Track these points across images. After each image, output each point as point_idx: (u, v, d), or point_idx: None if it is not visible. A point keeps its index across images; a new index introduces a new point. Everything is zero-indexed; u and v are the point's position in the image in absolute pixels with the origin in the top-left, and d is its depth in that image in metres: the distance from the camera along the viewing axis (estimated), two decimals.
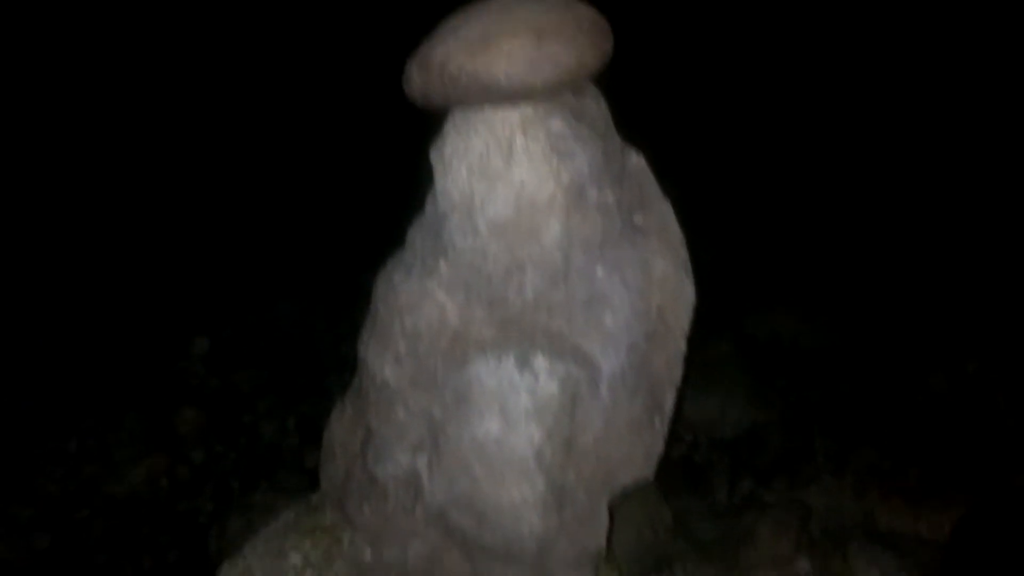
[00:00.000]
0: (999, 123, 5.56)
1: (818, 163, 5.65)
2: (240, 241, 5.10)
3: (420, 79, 1.71)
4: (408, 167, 2.13)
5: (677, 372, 1.91)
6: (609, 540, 2.23)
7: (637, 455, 1.92)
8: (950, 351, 4.25)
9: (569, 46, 1.64)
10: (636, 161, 1.87)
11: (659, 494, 3.18)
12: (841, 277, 4.80)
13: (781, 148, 5.75)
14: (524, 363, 1.83)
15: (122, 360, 4.31)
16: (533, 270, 1.81)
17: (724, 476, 3.75)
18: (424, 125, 1.94)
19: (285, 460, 3.89)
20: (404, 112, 1.95)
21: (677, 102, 5.80)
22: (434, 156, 1.84)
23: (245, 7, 6.17)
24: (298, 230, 5.16)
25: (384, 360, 1.99)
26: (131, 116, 5.97)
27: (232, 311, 4.65)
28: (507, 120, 1.75)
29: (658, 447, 1.94)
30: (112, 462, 3.84)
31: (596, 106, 1.85)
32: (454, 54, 1.65)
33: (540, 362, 1.82)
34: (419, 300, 1.91)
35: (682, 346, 1.89)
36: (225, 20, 6.25)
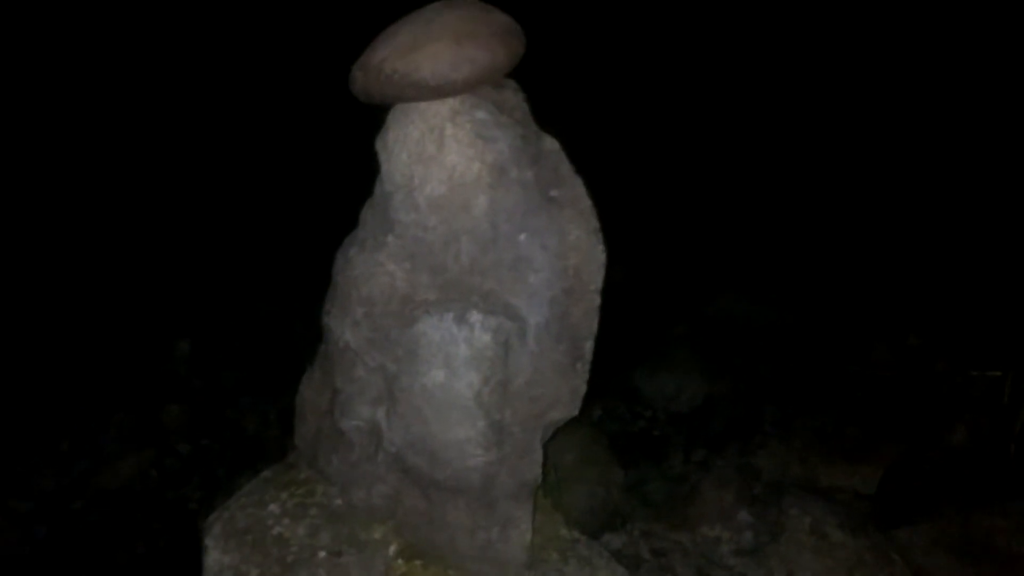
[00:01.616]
0: (943, 112, 5.99)
1: (766, 153, 6.07)
2: (217, 246, 5.47)
3: (362, 80, 2.12)
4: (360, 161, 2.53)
5: (593, 323, 2.30)
6: (553, 488, 2.63)
7: (564, 395, 2.31)
8: (895, 327, 4.66)
9: (485, 48, 2.06)
10: (550, 144, 2.28)
11: (612, 458, 3.59)
12: (793, 259, 5.21)
13: (731, 142, 6.16)
14: (462, 319, 2.22)
15: (109, 363, 4.68)
16: (467, 239, 2.21)
17: (680, 446, 4.15)
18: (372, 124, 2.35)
19: (268, 450, 4.26)
20: (358, 113, 2.35)
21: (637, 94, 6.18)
22: (379, 145, 2.25)
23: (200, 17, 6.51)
24: (271, 232, 5.53)
25: (344, 325, 2.39)
26: (106, 125, 6.32)
27: (212, 314, 5.03)
28: (438, 112, 2.16)
29: (581, 388, 2.33)
30: (103, 457, 4.21)
31: (515, 98, 2.27)
32: (388, 57, 2.07)
33: (475, 317, 2.22)
34: (372, 270, 2.31)
35: (596, 301, 2.29)
36: (186, 28, 6.61)
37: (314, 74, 5.09)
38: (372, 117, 2.31)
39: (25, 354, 4.68)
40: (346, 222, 2.48)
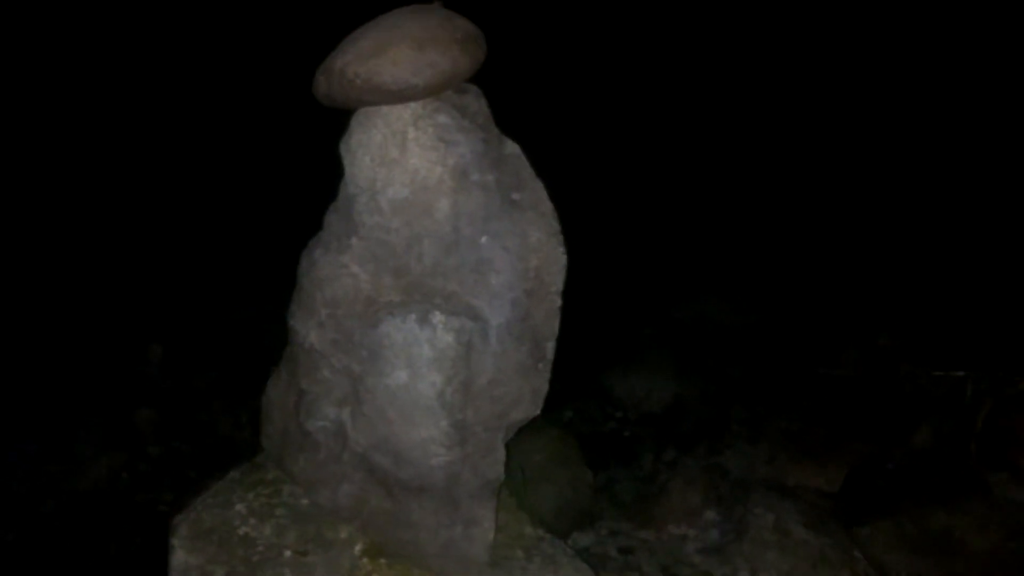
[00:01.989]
0: (914, 119, 6.08)
1: (736, 155, 6.14)
2: (189, 250, 5.49)
3: (325, 85, 2.16)
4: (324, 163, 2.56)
5: (555, 324, 2.35)
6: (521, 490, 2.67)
7: (526, 394, 2.36)
8: (863, 329, 4.74)
9: (446, 54, 2.10)
10: (511, 148, 2.33)
11: (582, 458, 3.63)
12: (764, 262, 5.29)
13: (700, 144, 6.22)
14: (425, 320, 2.26)
15: (80, 366, 4.68)
16: (429, 241, 2.25)
17: (649, 447, 4.21)
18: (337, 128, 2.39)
19: (240, 452, 4.27)
20: (322, 117, 2.39)
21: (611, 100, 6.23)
22: (343, 149, 2.29)
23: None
24: (241, 235, 5.55)
25: (309, 327, 2.43)
26: (76, 130, 6.31)
27: (184, 318, 5.05)
28: (400, 116, 2.21)
29: (543, 388, 2.38)
30: (74, 460, 4.21)
31: (477, 103, 2.31)
32: (351, 62, 2.11)
33: (438, 318, 2.26)
34: (336, 272, 2.35)
35: (557, 302, 2.33)
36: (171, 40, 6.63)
37: (278, 78, 5.14)
38: (336, 121, 2.35)
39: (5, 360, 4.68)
40: (313, 224, 2.52)
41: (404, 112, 2.21)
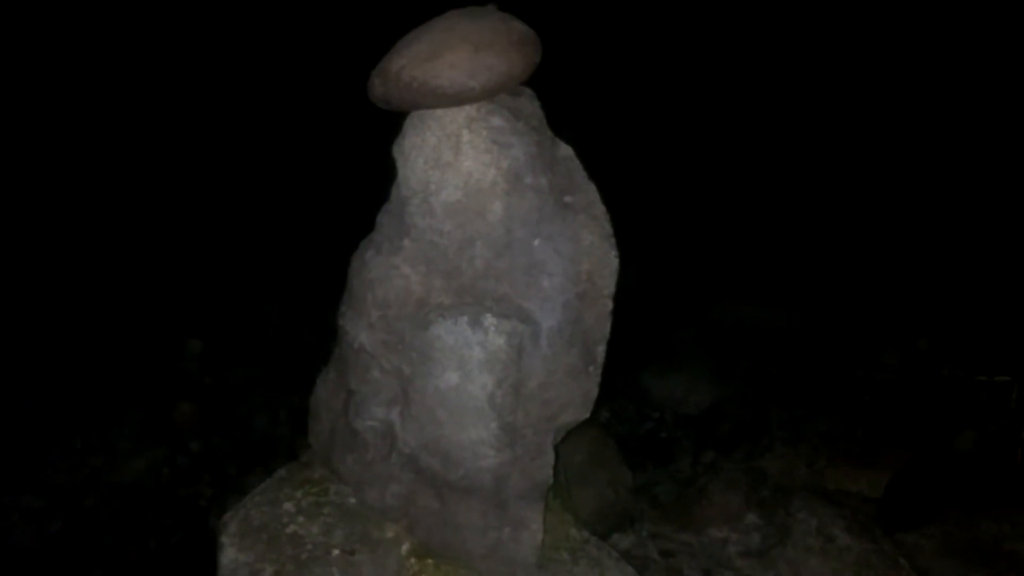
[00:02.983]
0: (950, 114, 6.02)
1: (777, 157, 6.10)
2: (230, 246, 5.53)
3: (381, 87, 2.17)
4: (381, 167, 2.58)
5: (606, 327, 2.35)
6: (567, 492, 2.68)
7: (575, 398, 2.36)
8: (905, 331, 4.70)
9: (502, 57, 2.10)
10: (565, 151, 2.33)
11: (621, 460, 3.63)
12: (803, 263, 5.26)
13: (741, 147, 6.19)
14: (476, 322, 2.27)
15: (121, 362, 4.74)
16: (481, 244, 2.26)
17: (688, 449, 4.20)
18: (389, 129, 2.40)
19: (278, 448, 4.32)
20: (374, 118, 2.41)
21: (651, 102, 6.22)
22: (396, 151, 2.30)
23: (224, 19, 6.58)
24: (283, 231, 5.59)
25: (360, 327, 2.44)
26: (124, 125, 6.39)
27: (223, 314, 5.09)
28: (455, 119, 2.21)
29: (593, 391, 2.38)
30: (116, 454, 4.27)
31: (530, 105, 2.32)
32: (407, 65, 2.12)
33: (490, 321, 2.26)
34: (387, 273, 2.36)
35: (609, 305, 2.33)
36: (211, 31, 6.68)
37: (332, 77, 5.17)
38: (390, 121, 2.36)
39: (39, 352, 4.75)
40: (361, 224, 2.53)
41: (458, 115, 2.21)
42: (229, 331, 5.01)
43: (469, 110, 2.21)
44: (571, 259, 2.28)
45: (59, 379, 4.62)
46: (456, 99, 2.14)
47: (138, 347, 4.87)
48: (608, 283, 2.34)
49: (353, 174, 4.15)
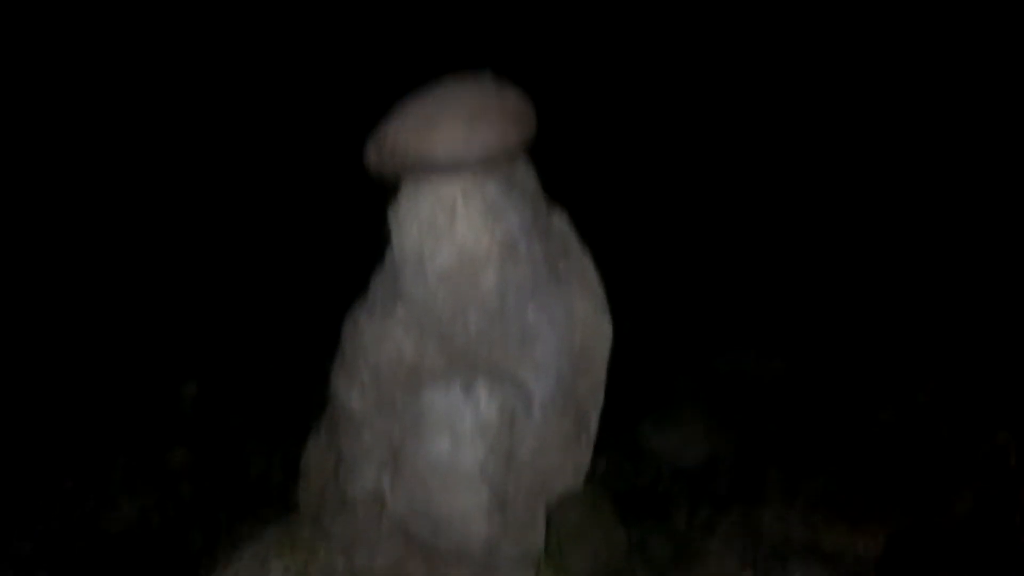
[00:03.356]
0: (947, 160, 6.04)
1: (775, 209, 6.11)
2: (227, 289, 5.53)
3: (376, 156, 2.18)
4: (372, 225, 2.58)
5: (599, 396, 2.34)
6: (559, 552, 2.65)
7: (567, 467, 2.35)
8: (902, 384, 4.67)
9: (496, 129, 2.12)
10: (559, 219, 2.34)
11: (616, 517, 3.59)
12: (800, 315, 5.23)
13: (737, 198, 6.20)
14: (469, 390, 2.27)
15: (115, 404, 4.71)
16: (475, 311, 2.26)
17: (684, 504, 4.14)
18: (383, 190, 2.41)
19: (271, 495, 4.27)
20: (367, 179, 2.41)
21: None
22: (391, 217, 2.31)
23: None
24: (281, 277, 5.59)
25: (351, 391, 2.44)
26: (122, 165, 6.41)
27: (220, 356, 5.08)
28: (450, 187, 2.22)
29: (585, 460, 2.37)
30: (107, 499, 4.23)
31: (526, 172, 2.32)
32: (402, 135, 2.13)
33: (482, 389, 2.26)
34: (380, 338, 2.36)
35: (602, 375, 2.33)
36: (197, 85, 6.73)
37: (329, 132, 5.20)
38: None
39: (30, 393, 4.72)
40: (355, 276, 2.53)
41: (453, 183, 2.22)
42: (226, 374, 4.99)
43: (464, 178, 2.22)
44: (565, 329, 2.28)
45: (50, 421, 4.59)
46: (450, 170, 2.15)
47: (131, 389, 4.84)
48: (602, 353, 2.33)
49: (353, 225, 4.16)
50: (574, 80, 5.99)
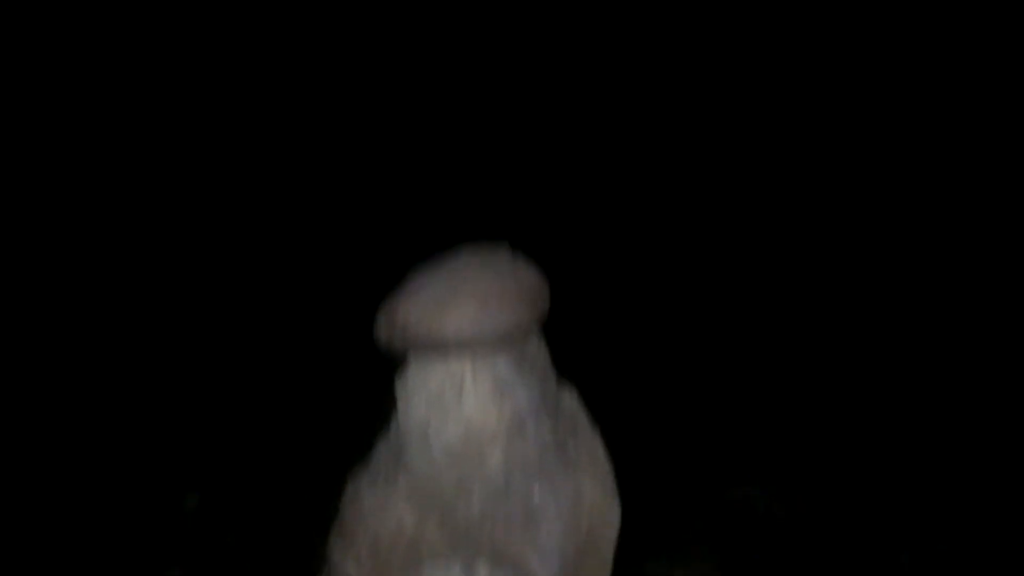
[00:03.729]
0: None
1: (785, 341, 6.03)
2: (233, 403, 5.47)
3: (386, 332, 2.15)
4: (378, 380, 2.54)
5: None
6: None
7: None
8: (921, 529, 4.54)
9: (508, 311, 2.09)
10: (570, 398, 2.30)
11: None
12: (813, 449, 5.14)
13: (746, 337, 6.09)
14: (469, 570, 2.20)
15: (113, 518, 4.64)
16: (479, 489, 2.20)
17: None
18: None
19: None
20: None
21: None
22: (398, 386, 2.27)
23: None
24: (289, 391, 5.54)
25: (348, 558, 2.36)
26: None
27: (224, 468, 5.02)
28: (460, 363, 2.18)
29: None
30: None
31: (537, 349, 2.29)
32: (413, 314, 2.10)
33: (483, 570, 2.19)
34: (381, 507, 2.30)
35: (608, 558, 2.25)
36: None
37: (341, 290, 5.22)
38: None
39: (22, 507, 4.65)
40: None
41: (463, 359, 2.18)
42: (228, 486, 4.92)
43: (475, 354, 2.18)
44: (571, 512, 2.21)
45: (46, 533, 4.52)
46: (459, 351, 2.12)
47: (133, 499, 4.78)
48: (609, 535, 2.27)
49: (363, 375, 4.13)
50: (587, 256, 5.97)
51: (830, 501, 4.82)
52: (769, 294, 6.42)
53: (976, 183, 6.63)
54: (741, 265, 6.54)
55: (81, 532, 4.55)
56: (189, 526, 4.67)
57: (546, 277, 2.25)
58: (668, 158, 7.23)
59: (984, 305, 6.15)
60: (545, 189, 6.84)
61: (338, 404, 5.09)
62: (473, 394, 2.18)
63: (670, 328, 5.90)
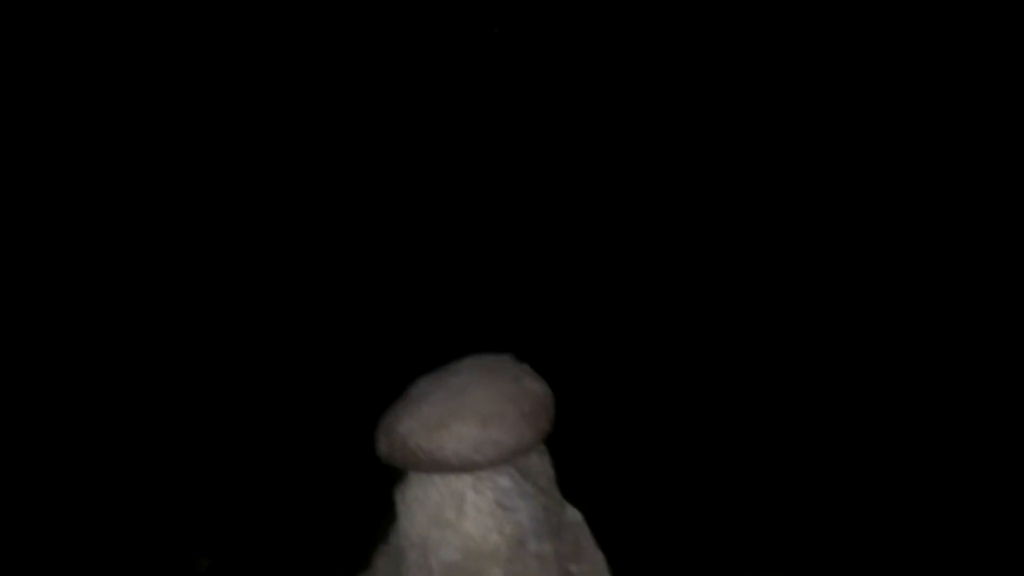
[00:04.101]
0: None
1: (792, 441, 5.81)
2: (246, 472, 5.38)
3: (386, 447, 2.13)
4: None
5: None
6: None
7: None
8: None
9: (511, 431, 2.06)
10: (573, 515, 2.25)
11: None
12: (831, 536, 4.99)
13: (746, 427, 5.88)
14: None
15: None
16: None
17: None
18: None
19: None
20: None
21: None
22: (398, 499, 2.24)
23: None
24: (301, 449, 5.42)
25: None
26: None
27: (236, 532, 4.98)
28: (460, 479, 2.15)
29: None
30: None
31: (540, 463, 2.25)
32: (414, 431, 2.08)
33: None
34: None
35: None
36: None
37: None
38: None
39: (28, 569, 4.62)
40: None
41: (464, 477, 2.15)
42: (240, 551, 4.88)
43: (476, 473, 2.15)
44: None
45: None
46: (461, 470, 2.09)
47: (144, 563, 4.75)
48: None
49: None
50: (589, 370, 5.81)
51: None
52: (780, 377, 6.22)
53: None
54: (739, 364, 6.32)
55: None
56: None
57: (552, 388, 2.21)
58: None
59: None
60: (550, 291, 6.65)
61: (344, 483, 5.02)
62: (474, 511, 2.14)
63: (681, 416, 5.78)
